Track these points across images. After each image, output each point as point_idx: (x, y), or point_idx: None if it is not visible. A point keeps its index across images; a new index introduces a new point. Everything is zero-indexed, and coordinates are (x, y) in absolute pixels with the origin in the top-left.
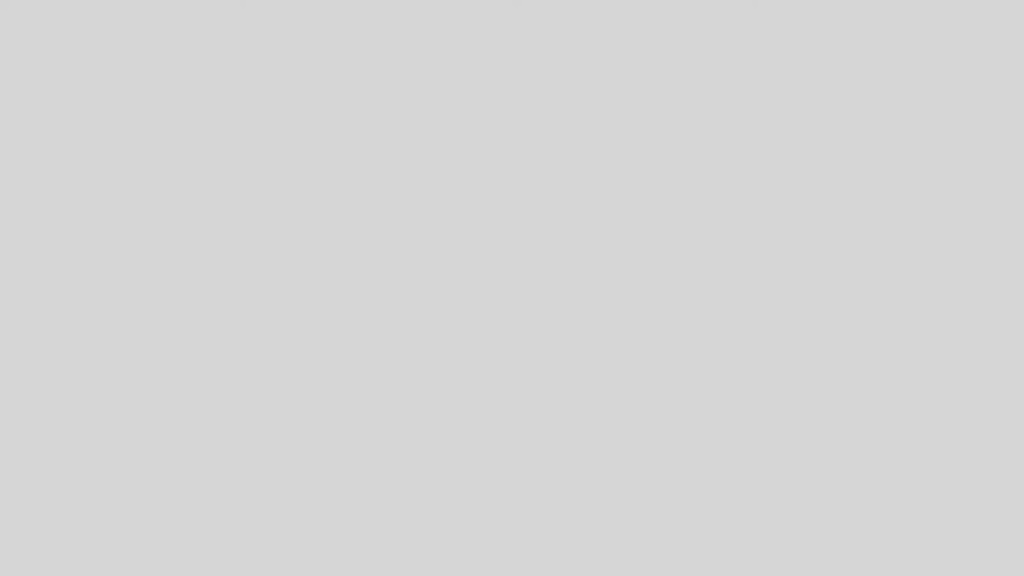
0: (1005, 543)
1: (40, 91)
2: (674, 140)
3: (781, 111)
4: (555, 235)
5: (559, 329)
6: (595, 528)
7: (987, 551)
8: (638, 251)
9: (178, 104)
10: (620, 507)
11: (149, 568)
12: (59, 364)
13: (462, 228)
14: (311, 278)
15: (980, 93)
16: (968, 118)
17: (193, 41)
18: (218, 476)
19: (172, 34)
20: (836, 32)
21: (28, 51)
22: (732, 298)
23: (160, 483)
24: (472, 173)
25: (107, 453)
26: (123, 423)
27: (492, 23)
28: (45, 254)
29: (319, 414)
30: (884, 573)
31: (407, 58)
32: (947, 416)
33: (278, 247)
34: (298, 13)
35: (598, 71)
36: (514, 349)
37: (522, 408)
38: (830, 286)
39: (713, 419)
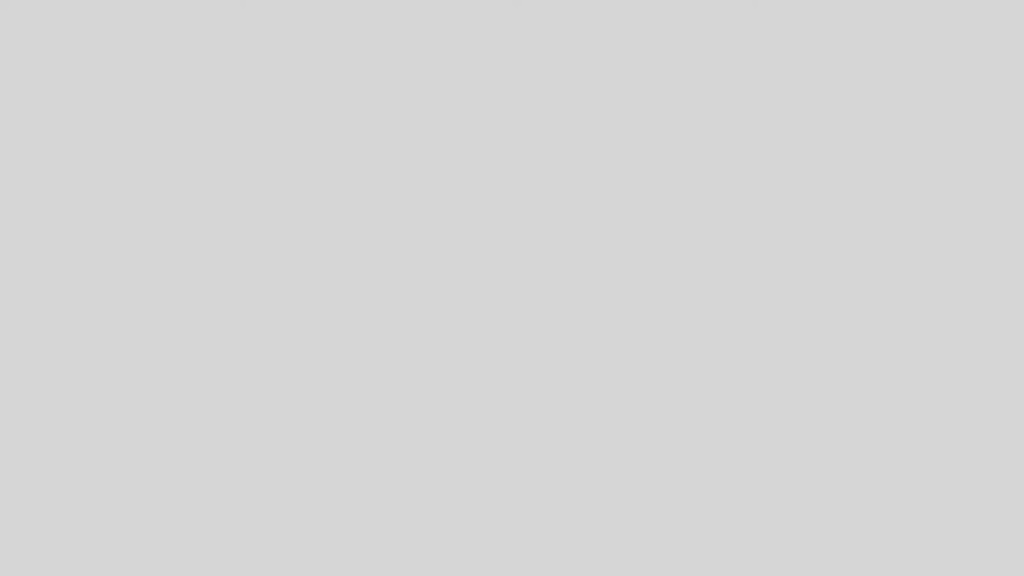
0: (1005, 543)
1: (40, 91)
2: (674, 140)
3: (781, 111)
4: (555, 235)
5: (559, 329)
6: (595, 528)
7: (987, 551)
8: (638, 251)
9: (178, 104)
10: (620, 507)
11: (149, 568)
12: (59, 364)
13: (462, 228)
14: (311, 278)
15: (980, 93)
16: (968, 118)
17: (193, 41)
18: (218, 476)
19: (172, 34)
20: (836, 32)
21: (28, 51)
22: (732, 298)
23: (160, 483)
24: (472, 173)
25: (107, 453)
26: (123, 423)
27: (492, 23)
28: (45, 254)
29: (319, 414)
30: (884, 573)
31: (407, 58)
32: (947, 416)
33: (278, 247)
34: (298, 13)
35: (598, 71)
36: (514, 349)
37: (522, 408)
38: (830, 286)
39: (713, 419)
